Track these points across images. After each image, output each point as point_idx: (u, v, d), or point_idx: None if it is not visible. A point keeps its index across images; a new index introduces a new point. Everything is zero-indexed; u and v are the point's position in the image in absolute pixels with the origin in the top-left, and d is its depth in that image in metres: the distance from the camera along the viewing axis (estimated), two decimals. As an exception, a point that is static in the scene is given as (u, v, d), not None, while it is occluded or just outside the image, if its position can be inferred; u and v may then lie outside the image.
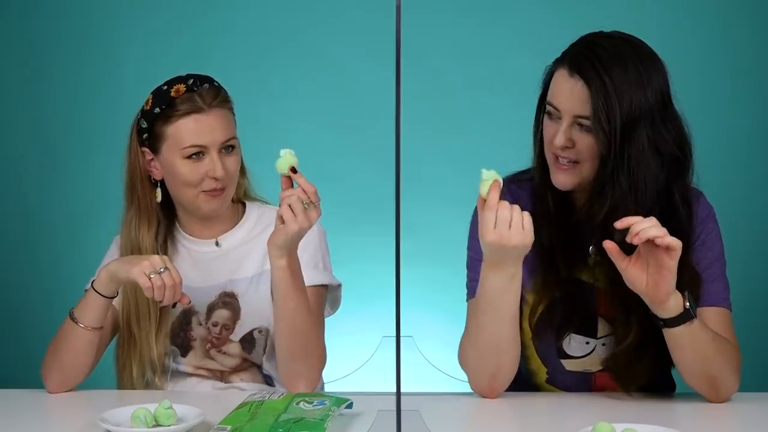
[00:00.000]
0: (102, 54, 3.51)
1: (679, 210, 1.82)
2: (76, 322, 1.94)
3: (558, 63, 1.83)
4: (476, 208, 1.98)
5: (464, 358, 1.89)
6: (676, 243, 1.67)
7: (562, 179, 1.83)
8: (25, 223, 3.57)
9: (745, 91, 3.40)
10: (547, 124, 1.84)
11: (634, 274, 1.72)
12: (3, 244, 3.56)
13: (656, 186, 1.78)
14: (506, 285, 1.77)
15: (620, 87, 1.75)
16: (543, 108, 1.87)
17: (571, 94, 1.78)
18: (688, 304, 1.73)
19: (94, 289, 1.93)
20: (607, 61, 1.77)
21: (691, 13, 3.38)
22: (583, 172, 1.81)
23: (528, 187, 1.94)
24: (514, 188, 1.95)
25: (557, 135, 1.80)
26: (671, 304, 1.72)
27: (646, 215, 1.75)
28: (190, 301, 1.99)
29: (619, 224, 1.69)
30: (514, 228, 1.70)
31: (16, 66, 3.53)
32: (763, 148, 3.41)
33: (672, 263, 1.69)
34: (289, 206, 1.79)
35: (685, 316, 1.73)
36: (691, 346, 1.76)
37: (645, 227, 1.67)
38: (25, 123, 3.54)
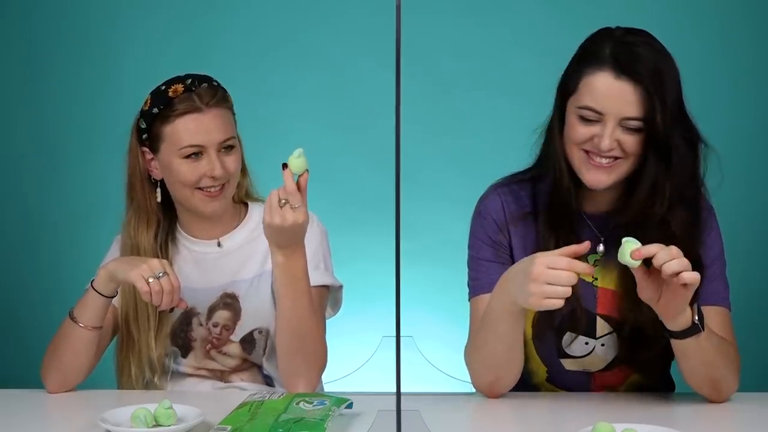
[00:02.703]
0: (102, 54, 3.51)
1: (700, 203, 1.86)
2: (75, 322, 1.94)
3: (593, 65, 1.78)
4: (477, 207, 1.99)
5: (468, 359, 1.90)
6: (694, 279, 1.65)
7: (599, 178, 1.80)
8: (25, 223, 3.57)
9: (745, 91, 3.40)
10: (580, 128, 1.79)
11: (649, 288, 1.70)
12: (3, 244, 3.56)
13: (695, 179, 1.82)
14: (509, 313, 1.76)
15: (666, 85, 1.76)
16: (562, 108, 1.84)
17: (619, 96, 1.75)
18: (696, 317, 1.71)
19: (93, 288, 1.93)
20: (650, 62, 1.76)
21: (691, 13, 3.38)
22: (621, 170, 1.80)
23: (527, 188, 1.94)
24: (515, 188, 1.95)
25: (603, 138, 1.76)
26: (680, 319, 1.71)
27: (692, 210, 1.81)
28: (188, 306, 2.00)
29: (638, 255, 1.65)
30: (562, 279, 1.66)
31: (16, 66, 3.53)
32: (763, 148, 3.41)
33: (688, 294, 1.67)
34: (269, 200, 1.80)
35: (693, 330, 1.72)
36: (697, 354, 1.75)
37: (667, 261, 1.63)
38: (25, 123, 3.55)
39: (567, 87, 1.83)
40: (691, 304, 1.71)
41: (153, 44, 3.48)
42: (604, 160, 1.79)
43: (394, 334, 1.29)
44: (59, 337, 1.97)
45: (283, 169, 1.79)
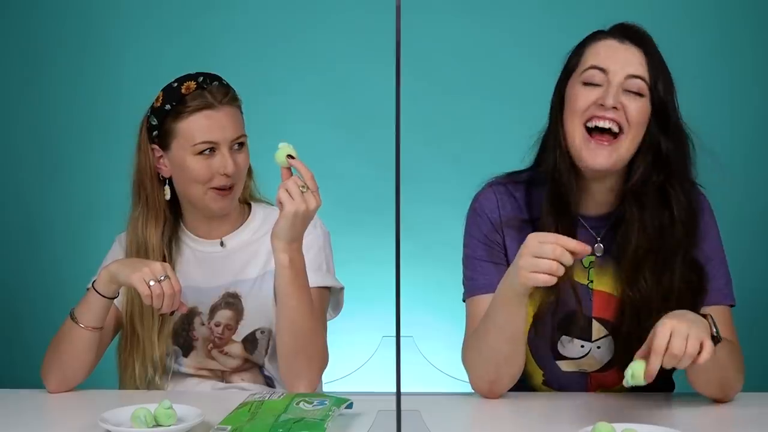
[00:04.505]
0: (102, 54, 3.51)
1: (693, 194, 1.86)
2: (76, 322, 1.94)
3: (595, 38, 1.83)
4: (472, 204, 1.98)
5: (466, 359, 1.89)
6: (706, 359, 1.61)
7: (599, 158, 1.78)
8: (25, 223, 3.57)
9: (745, 91, 3.40)
10: (583, 93, 1.80)
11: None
12: (3, 244, 3.56)
13: (688, 170, 1.83)
14: (509, 301, 1.76)
15: (663, 63, 1.80)
16: (562, 90, 1.84)
17: (624, 56, 1.79)
18: (714, 330, 1.66)
19: (94, 289, 1.93)
20: (651, 40, 1.82)
21: (691, 13, 3.38)
22: (621, 148, 1.78)
23: (522, 190, 1.93)
24: (511, 189, 1.94)
25: (607, 96, 1.76)
26: None
27: (688, 198, 1.81)
28: (188, 309, 2.00)
29: (650, 377, 1.59)
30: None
31: (16, 66, 3.53)
32: (763, 148, 3.41)
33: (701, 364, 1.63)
34: (286, 189, 1.80)
35: (713, 341, 1.66)
36: (714, 362, 1.69)
37: (675, 364, 1.60)
38: (25, 123, 3.55)
39: (569, 66, 1.85)
40: (704, 317, 1.67)
41: (153, 44, 3.48)
42: (606, 124, 1.77)
43: (394, 334, 1.29)
44: (60, 337, 1.97)
45: (291, 159, 1.81)
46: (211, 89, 1.98)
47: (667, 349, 1.58)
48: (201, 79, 1.99)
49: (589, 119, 1.79)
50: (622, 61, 1.78)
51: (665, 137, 1.79)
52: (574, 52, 1.86)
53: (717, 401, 1.84)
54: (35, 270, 3.56)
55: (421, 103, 3.32)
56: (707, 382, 1.79)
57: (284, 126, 3.34)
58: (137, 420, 1.67)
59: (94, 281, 1.94)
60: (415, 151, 3.09)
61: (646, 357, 1.60)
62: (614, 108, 1.77)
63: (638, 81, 1.78)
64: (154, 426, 1.68)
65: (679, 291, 1.81)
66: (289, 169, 1.83)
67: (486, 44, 3.44)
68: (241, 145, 2.02)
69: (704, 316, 1.68)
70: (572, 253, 1.66)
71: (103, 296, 1.92)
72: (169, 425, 1.67)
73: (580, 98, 1.80)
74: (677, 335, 1.58)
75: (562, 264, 1.66)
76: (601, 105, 1.77)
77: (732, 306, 1.89)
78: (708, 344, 1.60)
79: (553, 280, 1.67)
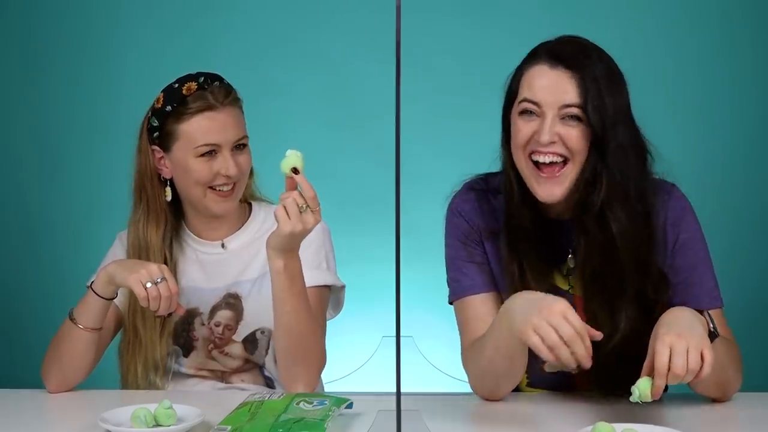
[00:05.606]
0: (102, 54, 3.52)
1: (653, 206, 1.81)
2: (75, 323, 1.94)
3: (529, 62, 1.79)
4: (450, 205, 1.97)
5: (466, 367, 1.89)
6: (707, 373, 1.60)
7: (551, 190, 1.77)
8: (25, 223, 3.57)
9: (745, 91, 3.40)
10: (522, 126, 1.78)
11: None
12: (3, 244, 3.56)
13: (639, 180, 1.77)
14: (512, 335, 1.72)
15: (607, 78, 1.74)
16: (507, 120, 1.82)
17: (555, 85, 1.74)
18: (711, 326, 1.65)
19: (93, 290, 1.92)
20: (584, 53, 1.76)
21: (691, 13, 3.38)
22: (570, 177, 1.76)
23: (499, 197, 1.90)
24: (490, 197, 1.93)
25: (542, 132, 1.74)
26: None
27: (638, 205, 1.75)
28: (190, 309, 2.00)
29: (657, 394, 1.59)
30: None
31: (16, 66, 3.54)
32: (763, 148, 3.40)
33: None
34: (284, 207, 1.78)
35: (710, 338, 1.65)
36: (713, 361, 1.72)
37: (680, 380, 1.59)
38: (25, 123, 3.55)
39: (509, 93, 1.82)
40: (701, 313, 1.67)
41: (153, 44, 3.48)
42: (547, 159, 1.75)
43: (394, 334, 1.29)
44: (59, 338, 1.97)
45: (296, 174, 1.77)
46: (212, 90, 1.98)
47: (669, 368, 1.57)
48: (202, 79, 1.98)
49: (532, 153, 1.77)
50: (554, 92, 1.74)
51: (603, 160, 1.74)
52: (512, 78, 1.82)
53: (716, 401, 1.84)
54: (35, 270, 3.56)
55: (421, 103, 3.32)
56: (705, 382, 1.78)
57: (285, 126, 3.35)
58: (137, 420, 1.67)
59: (92, 282, 1.94)
60: (415, 150, 3.09)
61: (651, 374, 1.60)
62: (552, 142, 1.74)
63: (572, 109, 1.73)
64: (154, 426, 1.68)
65: (637, 303, 1.78)
66: (293, 179, 1.79)
67: (486, 44, 3.44)
68: (243, 146, 2.01)
69: (701, 312, 1.66)
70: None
71: (102, 297, 1.92)
72: (169, 425, 1.67)
73: (521, 131, 1.78)
74: (677, 354, 1.57)
75: (570, 349, 1.60)
76: (538, 140, 1.75)
77: (721, 307, 1.87)
78: (708, 355, 1.59)
79: (548, 356, 1.61)
